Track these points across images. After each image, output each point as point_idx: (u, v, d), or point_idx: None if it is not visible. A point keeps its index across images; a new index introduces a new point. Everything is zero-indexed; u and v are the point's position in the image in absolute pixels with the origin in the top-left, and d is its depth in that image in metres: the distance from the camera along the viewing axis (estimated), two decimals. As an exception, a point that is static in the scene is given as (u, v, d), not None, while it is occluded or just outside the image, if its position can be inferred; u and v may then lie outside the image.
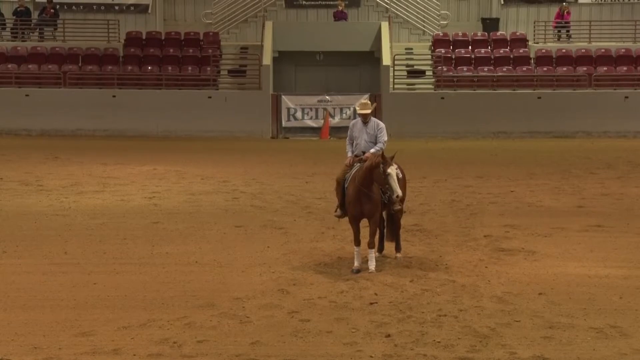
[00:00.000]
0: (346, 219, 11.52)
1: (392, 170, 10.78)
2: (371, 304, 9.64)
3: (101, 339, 8.47)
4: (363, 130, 11.42)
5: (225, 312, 9.30)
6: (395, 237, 11.80)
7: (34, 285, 10.45)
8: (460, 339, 8.43)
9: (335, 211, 11.56)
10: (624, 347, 8.25)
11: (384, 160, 10.80)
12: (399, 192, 10.75)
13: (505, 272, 11.06)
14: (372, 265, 11.05)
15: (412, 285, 10.43)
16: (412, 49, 33.16)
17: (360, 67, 32.83)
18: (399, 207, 11.38)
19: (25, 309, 9.48)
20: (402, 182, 11.48)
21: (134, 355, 8.04)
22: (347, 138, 11.65)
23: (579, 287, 10.35)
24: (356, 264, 11.08)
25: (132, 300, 9.83)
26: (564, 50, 32.08)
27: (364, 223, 11.26)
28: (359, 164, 11.14)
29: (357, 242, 11.13)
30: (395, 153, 11.07)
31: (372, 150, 11.21)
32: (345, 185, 11.16)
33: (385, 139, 11.41)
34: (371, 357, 8.01)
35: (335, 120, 30.31)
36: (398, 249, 11.81)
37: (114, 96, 30.48)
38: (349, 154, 11.51)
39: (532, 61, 31.87)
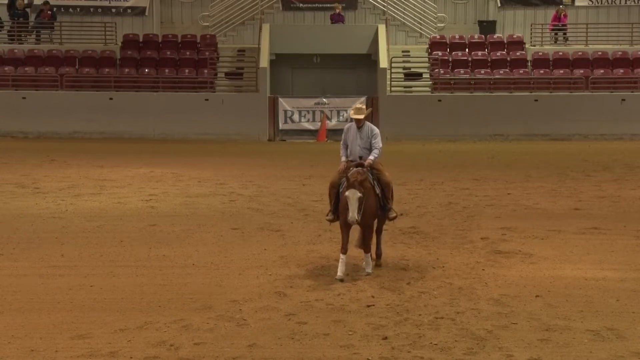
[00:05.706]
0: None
1: (352, 193, 10.55)
2: (368, 306, 9.64)
3: (98, 341, 8.46)
4: (357, 135, 11.21)
5: (222, 315, 9.30)
6: (377, 243, 11.57)
7: (31, 287, 10.44)
8: (457, 342, 8.44)
9: (327, 215, 11.35)
10: (621, 349, 8.25)
11: (348, 181, 10.61)
12: (351, 215, 10.52)
13: (502, 275, 11.06)
14: (368, 268, 11.02)
15: (409, 287, 10.43)
16: (409, 51, 33.17)
17: (357, 69, 32.85)
18: (394, 214, 11.34)
19: (22, 312, 9.46)
20: (389, 187, 11.31)
21: (131, 357, 8.03)
22: (342, 142, 11.45)
23: (576, 290, 10.35)
24: (339, 273, 10.74)
25: (129, 302, 9.82)
26: (560, 53, 32.11)
27: (355, 228, 11.14)
28: (354, 169, 11.01)
29: (344, 250, 10.82)
30: (365, 177, 10.79)
31: (370, 158, 11.07)
32: (340, 190, 10.94)
33: (381, 145, 11.21)
34: (368, 359, 8.01)
35: (332, 123, 30.30)
36: (378, 255, 11.60)
37: (110, 99, 30.44)
38: (343, 159, 11.31)
39: (529, 64, 31.89)
